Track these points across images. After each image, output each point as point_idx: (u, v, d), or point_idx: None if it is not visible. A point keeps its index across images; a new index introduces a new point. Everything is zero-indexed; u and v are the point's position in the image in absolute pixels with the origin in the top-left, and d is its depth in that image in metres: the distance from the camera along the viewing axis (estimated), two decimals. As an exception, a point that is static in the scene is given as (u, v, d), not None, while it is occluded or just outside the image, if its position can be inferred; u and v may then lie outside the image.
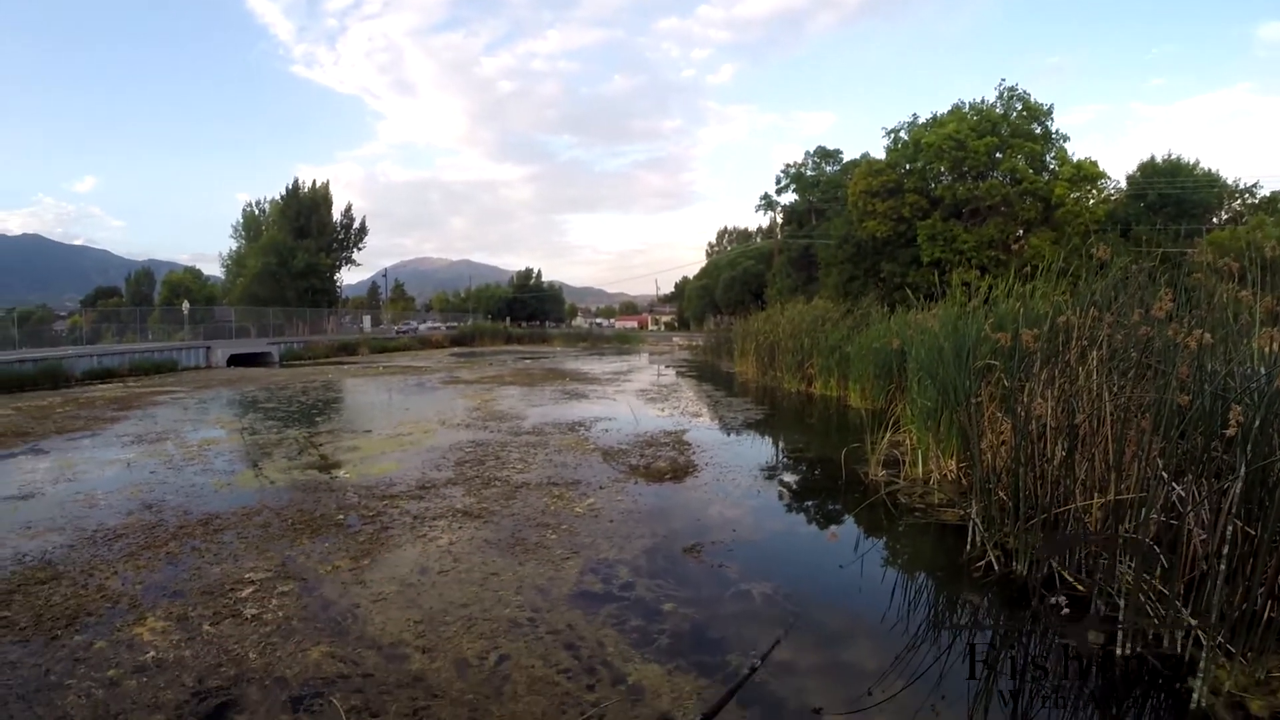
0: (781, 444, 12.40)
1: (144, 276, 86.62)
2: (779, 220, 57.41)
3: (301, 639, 4.56)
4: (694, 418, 14.71)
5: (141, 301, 65.55)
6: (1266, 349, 4.46)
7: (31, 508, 7.31)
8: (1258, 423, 3.88)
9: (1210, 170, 42.47)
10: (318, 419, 14.63)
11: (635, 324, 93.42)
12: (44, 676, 4.02)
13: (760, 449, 11.96)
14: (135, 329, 37.14)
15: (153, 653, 4.32)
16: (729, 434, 12.98)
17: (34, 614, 4.81)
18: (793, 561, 6.37)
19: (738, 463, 10.13)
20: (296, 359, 34.72)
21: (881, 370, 13.56)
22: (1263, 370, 4.33)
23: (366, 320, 59.99)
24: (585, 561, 6.02)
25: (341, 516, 7.27)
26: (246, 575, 5.61)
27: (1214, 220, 40.90)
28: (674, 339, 55.92)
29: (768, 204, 58.38)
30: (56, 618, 4.76)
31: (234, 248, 61.97)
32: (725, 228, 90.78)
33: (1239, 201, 43.00)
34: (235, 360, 31.05)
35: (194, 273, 76.47)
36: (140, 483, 8.46)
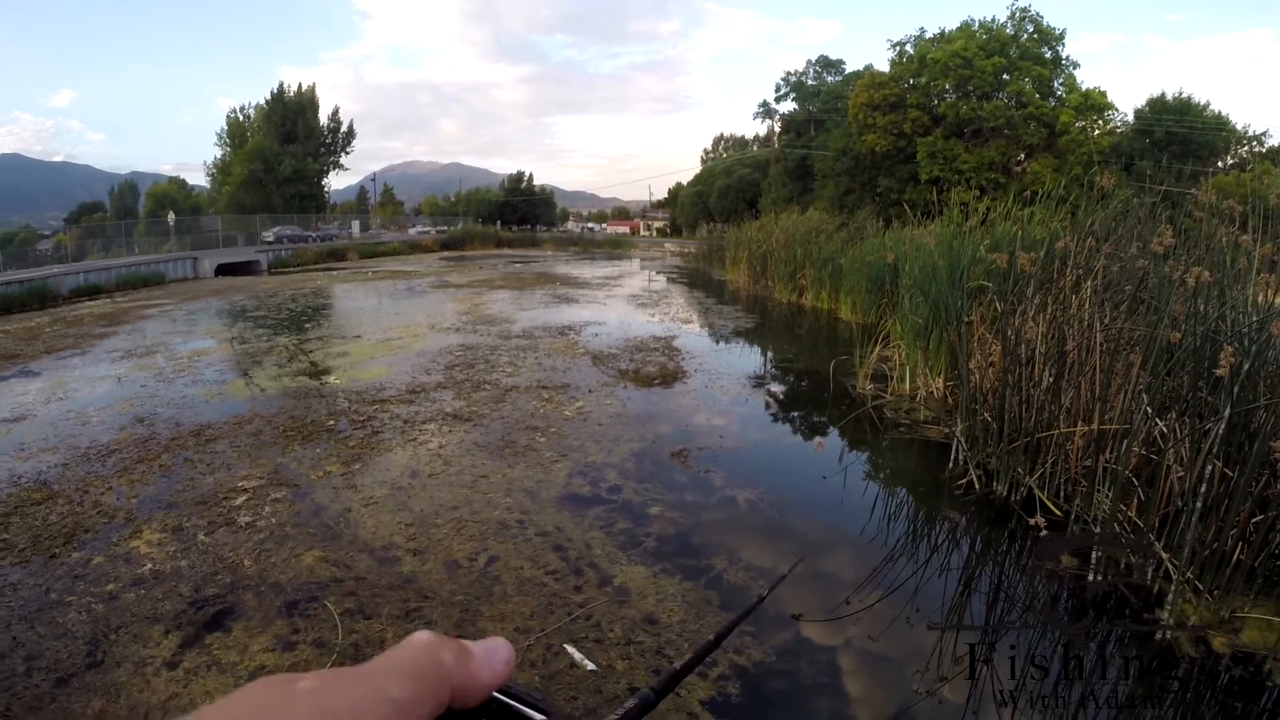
0: (770, 354, 12.46)
1: (128, 190, 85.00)
2: (777, 129, 56.40)
3: (295, 545, 4.66)
4: (684, 324, 14.73)
5: (126, 215, 64.42)
6: (1261, 296, 4.47)
7: (24, 429, 7.31)
8: (1246, 367, 3.89)
9: (1220, 113, 41.31)
10: (307, 326, 14.60)
11: (627, 229, 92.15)
12: (45, 595, 4.09)
13: (749, 358, 12.04)
14: (120, 243, 36.61)
15: (150, 565, 4.40)
16: (719, 341, 13.02)
17: (32, 534, 4.86)
18: (777, 470, 6.47)
19: (726, 370, 10.20)
20: (285, 266, 34.38)
21: (874, 285, 13.45)
22: (1255, 317, 4.31)
23: (355, 225, 59.20)
24: (573, 464, 6.10)
25: (332, 422, 7.33)
26: (239, 484, 5.69)
27: (1219, 164, 39.88)
28: (666, 245, 55.39)
29: (766, 112, 57.32)
30: (54, 536, 4.81)
31: (219, 155, 60.46)
32: (721, 134, 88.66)
33: (1246, 148, 41.80)
34: (223, 270, 30.73)
35: (178, 183, 74.90)
36: (131, 397, 8.47)
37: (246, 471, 5.97)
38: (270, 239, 40.37)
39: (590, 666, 3.37)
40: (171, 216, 38.72)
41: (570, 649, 3.52)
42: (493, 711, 0.39)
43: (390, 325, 14.11)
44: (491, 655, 0.39)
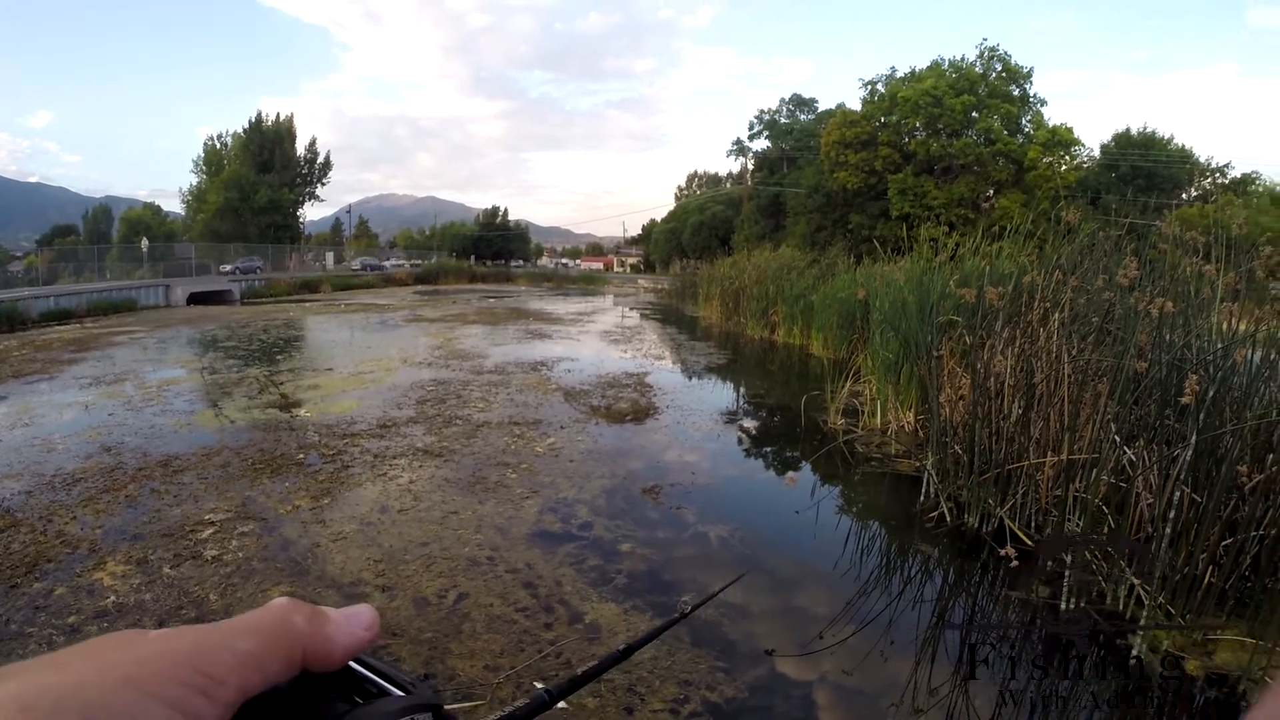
0: (742, 389, 12.55)
1: (102, 213, 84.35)
2: (750, 166, 57.28)
3: (262, 579, 4.62)
4: (656, 360, 14.82)
5: (99, 240, 63.77)
6: (1225, 324, 4.59)
7: (-13, 454, 7.20)
8: (1211, 394, 4.00)
9: (1184, 146, 42.99)
10: (278, 357, 14.50)
11: (601, 265, 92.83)
12: (4, 626, 4.01)
13: (721, 393, 12.11)
14: (93, 268, 36.24)
15: (113, 597, 4.34)
16: (691, 377, 13.11)
17: None
18: (749, 506, 6.53)
19: (698, 406, 10.25)
20: (258, 296, 34.20)
21: (845, 320, 13.63)
22: (1219, 344, 4.44)
23: (330, 257, 58.97)
24: (545, 501, 6.11)
25: (302, 455, 7.28)
26: (206, 516, 5.62)
27: (1183, 196, 41.23)
28: (639, 281, 55.82)
29: (739, 149, 58.19)
30: (16, 566, 4.73)
31: (194, 183, 60.27)
32: (695, 172, 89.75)
33: (1209, 180, 43.37)
34: (195, 298, 30.48)
35: (153, 209, 74.39)
36: (99, 425, 8.38)
37: (214, 504, 5.91)
38: (228, 269, 40.22)
39: (560, 705, 3.37)
40: (145, 243, 38.30)
41: (540, 686, 3.51)
42: (354, 680, 0.40)
43: (362, 358, 14.06)
44: (351, 620, 0.40)
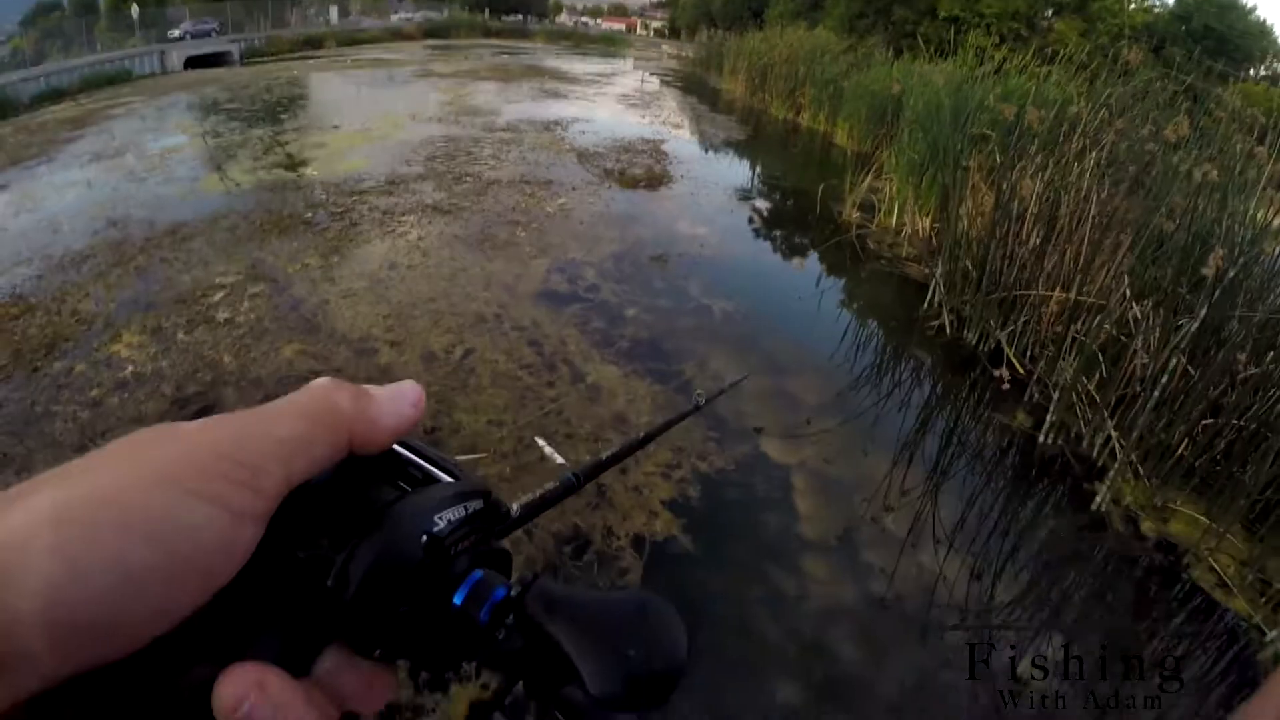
0: (759, 169, 12.05)
1: (86, -17, 79.61)
2: None
3: (274, 339, 4.69)
4: (674, 129, 14.18)
5: (86, 12, 60.47)
6: (1262, 213, 4.35)
7: (-6, 245, 7.13)
8: (1231, 274, 3.82)
9: (1264, 21, 38.63)
10: (283, 117, 13.97)
11: (623, 27, 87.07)
12: (30, 409, 4.09)
13: (737, 170, 11.65)
14: (82, 42, 34.51)
15: (131, 368, 4.43)
16: (708, 150, 12.61)
17: (12, 349, 4.80)
18: (754, 285, 6.46)
19: (713, 179, 9.94)
20: (258, 56, 32.72)
21: (874, 114, 12.72)
22: (1251, 230, 4.21)
23: (333, 11, 55.82)
24: (553, 261, 6.06)
25: (309, 215, 7.19)
26: (216, 280, 5.64)
27: (1251, 72, 37.12)
28: (663, 46, 52.50)
29: None
30: (35, 349, 4.77)
31: (186, -64, 56.07)
32: None
33: None
34: (193, 62, 29.23)
35: (142, -30, 69.92)
36: (103, 201, 8.23)
37: (223, 268, 5.90)
38: (177, 34, 34.78)
39: (559, 460, 3.47)
40: (135, 9, 36.28)
41: (540, 442, 3.61)
42: (399, 464, 0.38)
43: (370, 115, 13.50)
44: (396, 398, 0.38)
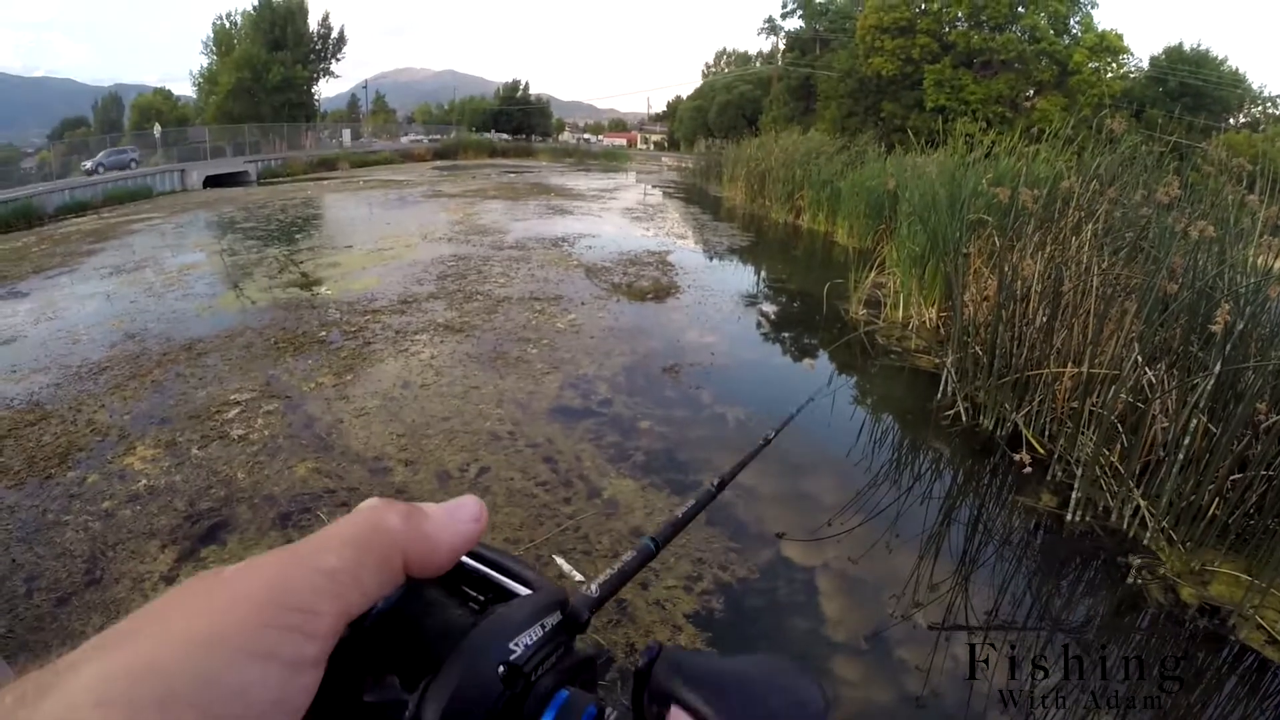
0: (764, 273, 12.40)
1: (112, 102, 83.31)
2: (781, 46, 54.85)
3: (288, 456, 4.70)
4: (679, 239, 14.61)
5: (111, 129, 62.73)
6: (1261, 259, 4.43)
7: (14, 351, 7.21)
8: (1240, 327, 3.89)
9: (1237, 70, 40.50)
10: (297, 236, 14.39)
11: (624, 142, 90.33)
12: (42, 516, 4.10)
13: (743, 276, 11.98)
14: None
15: (144, 481, 4.43)
16: (712, 258, 12.93)
17: (26, 456, 4.83)
18: (767, 390, 6.54)
19: (720, 287, 10.17)
20: (274, 177, 33.78)
21: (872, 210, 13.21)
22: (1253, 278, 4.28)
23: (346, 134, 57.91)
24: (565, 377, 6.13)
25: (324, 333, 7.32)
26: (232, 397, 5.70)
27: (1230, 121, 38.95)
28: (663, 159, 54.37)
29: (771, 28, 55.76)
30: (49, 457, 4.80)
31: (205, 65, 58.47)
32: (724, 49, 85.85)
33: (1260, 108, 40.95)
34: (211, 181, 30.19)
35: (164, 94, 72.72)
36: (121, 314, 8.42)
37: (238, 384, 5.97)
38: (89, 167, 30.64)
39: (578, 577, 3.44)
40: (158, 129, 37.65)
41: (559, 560, 3.58)
42: (468, 579, 0.37)
43: (382, 235, 13.92)
44: (454, 514, 0.36)
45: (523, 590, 0.37)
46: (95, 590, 3.41)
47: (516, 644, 0.34)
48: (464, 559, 0.37)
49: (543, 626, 0.35)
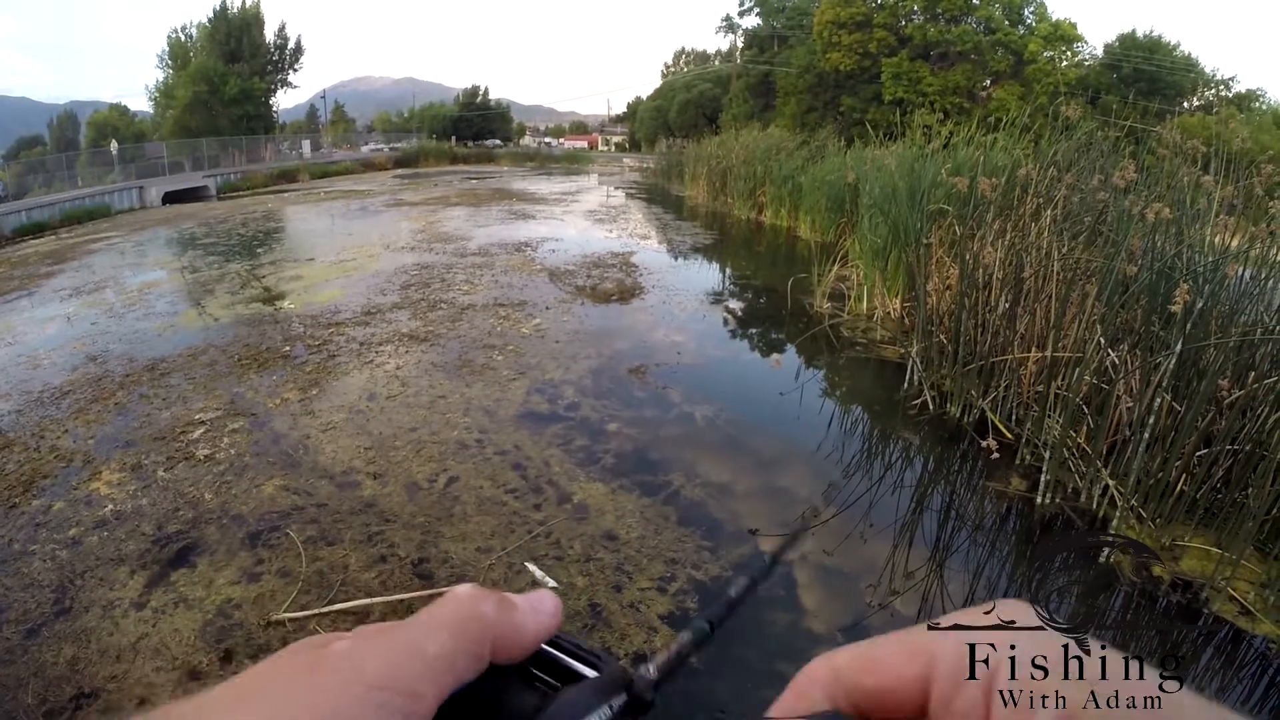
0: (729, 270, 12.50)
1: (67, 120, 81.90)
2: (739, 44, 55.12)
3: (255, 475, 4.68)
4: (642, 240, 14.68)
5: (67, 147, 61.54)
6: (1218, 238, 4.51)
7: (-28, 379, 7.12)
8: (1199, 305, 3.97)
9: (1189, 55, 41.12)
10: (259, 250, 14.24)
11: (585, 144, 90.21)
12: (8, 547, 4.05)
13: (707, 274, 12.06)
14: (63, 176, 35.04)
15: (111, 506, 4.39)
16: (676, 257, 13.00)
17: None
18: (735, 386, 6.60)
19: (684, 286, 10.23)
20: (234, 190, 33.38)
21: (833, 204, 13.33)
22: (1211, 257, 4.37)
23: (306, 145, 57.29)
24: (531, 382, 6.15)
25: (288, 348, 7.29)
26: (196, 416, 5.66)
27: (1185, 105, 39.61)
28: (625, 160, 54.34)
29: (729, 26, 56.05)
30: (12, 486, 4.74)
31: (161, 79, 57.60)
32: (683, 49, 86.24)
33: (1213, 91, 41.43)
34: (171, 197, 29.75)
35: (120, 110, 71.50)
36: (82, 336, 8.30)
37: (203, 403, 5.93)
38: None
39: (551, 584, 3.48)
40: (114, 145, 37.00)
41: (531, 566, 3.62)
42: (540, 665, 0.38)
43: (344, 246, 13.82)
44: (537, 607, 0.37)
45: (589, 671, 0.38)
46: (65, 620, 3.39)
47: None
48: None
49: (611, 707, 0.36)
